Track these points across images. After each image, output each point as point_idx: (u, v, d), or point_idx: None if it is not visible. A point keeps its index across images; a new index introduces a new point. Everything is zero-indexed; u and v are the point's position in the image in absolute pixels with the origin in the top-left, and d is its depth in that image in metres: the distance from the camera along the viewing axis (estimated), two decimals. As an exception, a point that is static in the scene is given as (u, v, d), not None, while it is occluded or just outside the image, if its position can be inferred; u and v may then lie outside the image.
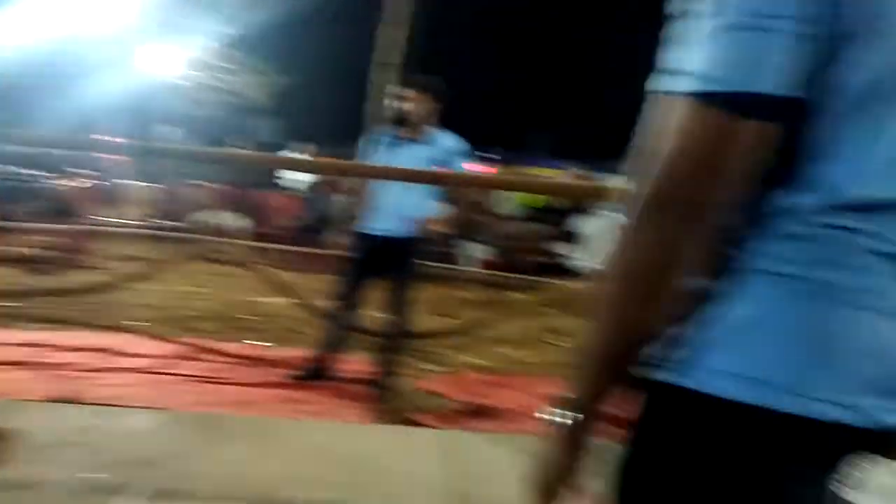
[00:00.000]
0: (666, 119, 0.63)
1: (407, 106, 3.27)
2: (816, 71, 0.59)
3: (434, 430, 2.79)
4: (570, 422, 0.72)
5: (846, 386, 0.61)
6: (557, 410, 0.74)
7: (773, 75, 0.58)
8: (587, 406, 0.71)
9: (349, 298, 3.42)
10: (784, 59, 0.58)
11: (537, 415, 0.76)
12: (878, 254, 0.62)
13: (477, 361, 4.23)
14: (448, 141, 3.29)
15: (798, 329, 0.62)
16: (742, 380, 0.62)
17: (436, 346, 4.37)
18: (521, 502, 0.76)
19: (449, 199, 3.49)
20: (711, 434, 0.65)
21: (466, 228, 7.81)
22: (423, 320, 4.82)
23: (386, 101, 3.36)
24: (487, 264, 7.93)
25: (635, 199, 0.64)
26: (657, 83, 0.66)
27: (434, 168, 3.16)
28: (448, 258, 7.84)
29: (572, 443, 0.73)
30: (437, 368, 4.00)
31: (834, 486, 0.71)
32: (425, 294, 5.74)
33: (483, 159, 16.03)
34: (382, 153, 3.27)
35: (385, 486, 2.17)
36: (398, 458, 2.38)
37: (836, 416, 0.61)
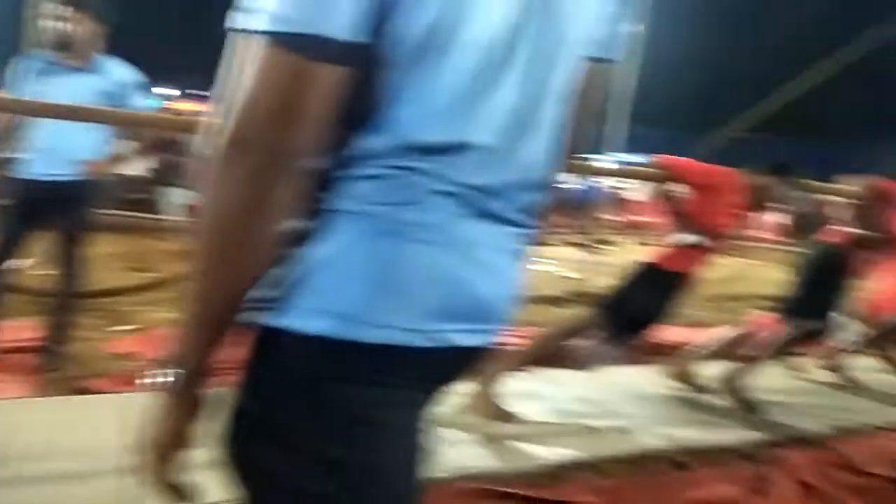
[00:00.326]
0: (243, 59, 0.61)
1: (67, 27, 2.78)
2: (380, 20, 0.61)
3: (113, 396, 2.52)
4: (177, 379, 0.71)
5: (416, 313, 0.67)
6: (163, 370, 0.71)
7: (339, 20, 0.59)
8: (194, 361, 0.70)
9: (5, 254, 2.89)
10: (348, 6, 0.59)
11: (141, 379, 0.72)
12: (439, 192, 0.67)
13: (176, 317, 3.95)
14: (121, 72, 2.89)
15: (371, 264, 0.65)
16: (326, 315, 0.65)
17: (126, 304, 3.97)
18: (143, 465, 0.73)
19: (130, 137, 3.10)
20: (307, 370, 0.67)
21: (166, 173, 7.15)
22: (114, 276, 4.34)
23: (41, 20, 2.81)
24: (193, 211, 7.39)
25: (216, 143, 0.61)
26: (235, 20, 0.62)
27: (106, 103, 2.77)
28: (146, 206, 7.14)
29: (182, 400, 0.71)
30: (127, 328, 3.64)
31: (433, 404, 0.78)
32: (117, 247, 5.19)
33: (193, 97, 14.85)
34: (38, 81, 2.76)
35: (45, 461, 1.91)
36: (65, 431, 2.11)
37: (411, 341, 0.66)
